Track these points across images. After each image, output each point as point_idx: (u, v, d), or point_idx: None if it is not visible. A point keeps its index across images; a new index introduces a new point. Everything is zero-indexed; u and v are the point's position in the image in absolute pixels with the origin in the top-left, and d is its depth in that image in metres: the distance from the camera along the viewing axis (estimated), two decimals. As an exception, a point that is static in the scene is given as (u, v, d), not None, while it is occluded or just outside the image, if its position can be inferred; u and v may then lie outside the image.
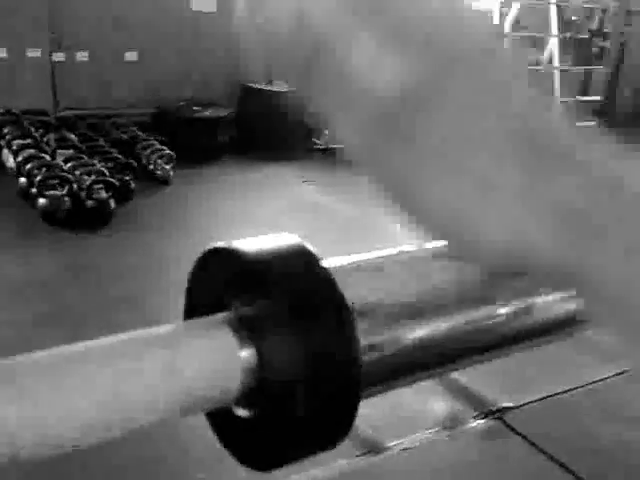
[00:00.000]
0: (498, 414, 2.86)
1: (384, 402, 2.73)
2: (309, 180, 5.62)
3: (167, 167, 5.30)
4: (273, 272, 0.28)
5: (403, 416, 2.81)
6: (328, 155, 6.24)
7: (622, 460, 2.68)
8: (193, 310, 0.31)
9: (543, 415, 2.92)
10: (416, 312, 0.31)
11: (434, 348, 0.32)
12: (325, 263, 0.30)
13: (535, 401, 2.96)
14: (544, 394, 3.01)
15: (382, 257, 0.33)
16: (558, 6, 7.76)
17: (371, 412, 2.88)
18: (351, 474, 2.49)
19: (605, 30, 8.58)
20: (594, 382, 3.13)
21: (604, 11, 8.60)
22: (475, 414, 2.84)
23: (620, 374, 3.21)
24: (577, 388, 3.08)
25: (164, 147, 5.38)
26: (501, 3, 7.32)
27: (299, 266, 0.29)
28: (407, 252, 0.34)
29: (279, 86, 6.19)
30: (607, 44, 8.60)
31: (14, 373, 0.25)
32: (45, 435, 0.24)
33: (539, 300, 0.37)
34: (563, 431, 2.85)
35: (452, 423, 2.78)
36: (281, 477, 2.21)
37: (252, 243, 0.29)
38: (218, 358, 0.28)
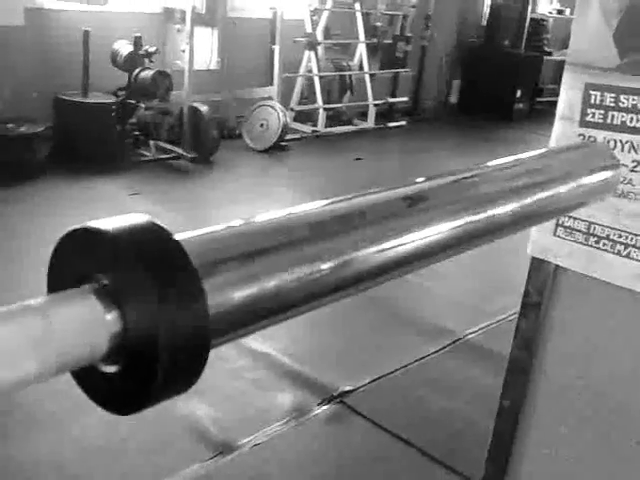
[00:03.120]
0: (340, 398, 3.06)
1: (231, 402, 2.82)
2: (135, 192, 5.55)
3: (-18, 188, 5.02)
4: (127, 244, 0.34)
5: (251, 414, 2.92)
6: (155, 166, 6.20)
7: (448, 426, 2.99)
8: (56, 286, 0.36)
9: (379, 394, 3.16)
10: (257, 270, 0.38)
11: (270, 301, 0.39)
12: (176, 236, 0.36)
13: (371, 382, 3.20)
14: (378, 374, 3.25)
15: (232, 226, 0.40)
16: (363, 14, 8.23)
17: (218, 414, 2.96)
18: (205, 477, 2.56)
19: (407, 35, 9.22)
20: (419, 359, 3.44)
21: (405, 17, 9.24)
22: (318, 401, 3.02)
23: (439, 350, 3.55)
24: (406, 366, 3.36)
25: (-23, 167, 5.08)
26: (311, 12, 7.63)
27: (149, 238, 0.35)
28: (253, 222, 0.42)
29: (96, 97, 6.06)
30: (409, 48, 9.24)
31: None
32: None
33: (361, 253, 0.46)
34: (398, 407, 3.11)
35: (298, 413, 2.94)
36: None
37: (107, 222, 0.36)
38: (87, 323, 0.34)
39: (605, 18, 1.16)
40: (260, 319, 0.39)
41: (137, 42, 6.10)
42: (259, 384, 3.14)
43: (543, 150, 0.63)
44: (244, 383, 3.11)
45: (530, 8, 10.49)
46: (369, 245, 0.46)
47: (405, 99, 9.06)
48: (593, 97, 1.18)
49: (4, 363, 0.30)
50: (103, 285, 0.35)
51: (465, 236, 0.52)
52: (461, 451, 2.78)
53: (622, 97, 1.16)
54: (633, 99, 1.14)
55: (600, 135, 1.17)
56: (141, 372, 0.35)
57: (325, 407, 3.00)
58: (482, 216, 0.52)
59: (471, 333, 3.76)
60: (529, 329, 1.36)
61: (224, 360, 3.21)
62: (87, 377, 0.36)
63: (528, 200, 0.55)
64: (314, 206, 0.45)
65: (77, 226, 0.36)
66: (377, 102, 8.37)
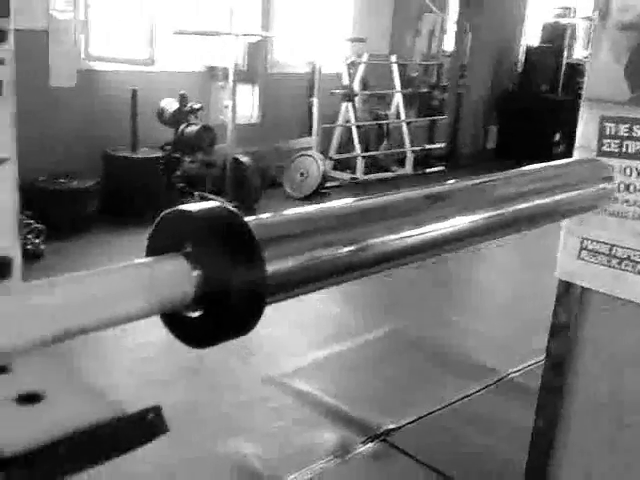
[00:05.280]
0: (383, 437, 3.09)
1: (275, 441, 2.89)
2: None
3: (37, 241, 5.25)
4: (207, 221, 0.47)
5: (295, 451, 2.98)
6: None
7: (490, 463, 2.99)
8: (154, 252, 0.48)
9: (422, 432, 3.19)
10: (304, 246, 0.49)
11: (313, 270, 0.50)
12: (244, 218, 0.48)
13: (414, 421, 3.23)
14: (421, 413, 3.28)
15: (286, 213, 0.52)
16: (399, 65, 8.45)
17: (263, 451, 3.03)
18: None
19: (443, 84, 9.41)
20: (461, 398, 3.46)
21: (440, 66, 9.44)
22: (362, 439, 3.06)
23: (482, 389, 3.57)
24: (448, 405, 3.39)
25: (31, 221, 5.32)
26: (348, 65, 7.87)
27: (224, 217, 0.48)
28: (306, 210, 0.54)
29: (144, 152, 6.33)
30: (446, 96, 9.42)
31: (53, 287, 0.42)
32: (61, 326, 0.41)
33: (401, 235, 0.56)
34: (440, 444, 3.13)
35: (341, 451, 2.98)
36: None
37: (192, 206, 0.47)
38: (179, 278, 0.46)
39: (615, 56, 1.25)
40: (305, 284, 0.50)
41: (182, 99, 6.38)
42: (303, 423, 3.20)
43: (549, 163, 0.72)
44: (288, 422, 3.18)
45: (566, 54, 10.61)
46: (399, 231, 0.57)
47: (442, 145, 9.19)
48: (608, 129, 1.27)
49: (122, 300, 0.42)
50: (190, 251, 0.47)
51: (478, 231, 0.62)
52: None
53: (635, 127, 1.24)
54: (646, 129, 1.23)
55: (617, 163, 1.26)
56: (216, 316, 0.46)
57: (369, 445, 3.04)
58: (491, 214, 0.61)
59: (513, 372, 3.77)
60: (559, 350, 1.42)
61: (267, 400, 3.29)
62: (173, 321, 0.48)
63: (531, 203, 0.64)
64: (350, 201, 0.56)
65: (167, 211, 0.47)
66: (414, 149, 8.52)
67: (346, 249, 0.52)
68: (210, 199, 6.49)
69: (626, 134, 1.25)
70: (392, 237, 0.56)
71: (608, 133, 1.27)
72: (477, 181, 0.64)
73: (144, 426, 0.34)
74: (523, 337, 4.27)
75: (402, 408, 3.35)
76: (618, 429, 1.37)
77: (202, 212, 0.47)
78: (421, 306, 4.75)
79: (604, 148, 1.28)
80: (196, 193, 6.48)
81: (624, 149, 1.25)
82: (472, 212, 0.61)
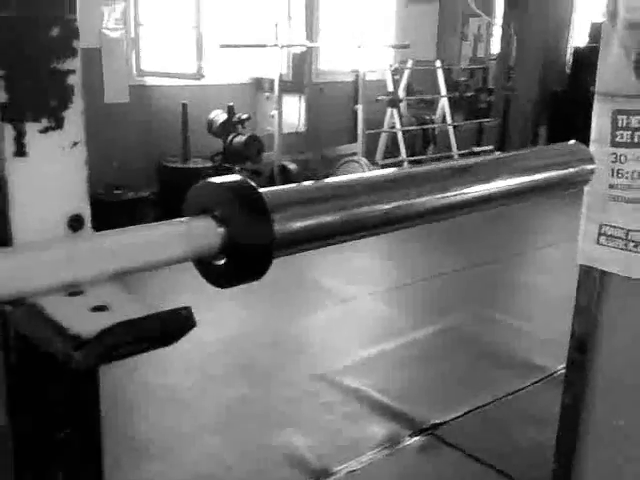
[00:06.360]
0: (431, 430, 3.18)
1: (325, 433, 3.01)
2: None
3: (96, 250, 5.50)
4: (229, 189, 0.60)
5: (344, 444, 3.09)
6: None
7: (540, 456, 3.04)
8: (188, 214, 0.62)
9: (471, 426, 3.26)
10: (310, 211, 0.62)
11: (313, 232, 0.62)
12: (260, 190, 0.62)
13: (462, 415, 3.30)
14: (468, 408, 3.35)
15: (299, 185, 0.66)
16: (444, 69, 8.51)
17: (314, 444, 3.15)
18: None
19: (489, 87, 9.42)
20: (510, 394, 3.51)
21: (485, 70, 9.46)
22: (410, 432, 3.15)
23: (530, 385, 3.61)
24: (497, 400, 3.45)
25: (91, 231, 5.57)
26: (392, 72, 7.97)
27: (242, 188, 0.61)
28: (320, 182, 0.67)
29: (195, 163, 6.55)
30: (492, 99, 9.42)
31: (116, 235, 0.57)
32: (119, 264, 0.55)
33: (395, 204, 0.69)
34: (490, 439, 3.19)
35: (390, 443, 3.08)
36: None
37: (219, 179, 0.61)
38: (207, 233, 0.59)
39: (625, 52, 1.34)
40: (306, 243, 0.63)
41: (230, 111, 6.59)
42: (352, 417, 3.30)
43: (537, 147, 0.84)
44: (337, 416, 3.29)
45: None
46: (422, 196, 0.70)
47: (490, 148, 9.19)
48: (620, 121, 1.35)
49: (162, 249, 0.56)
50: (217, 213, 0.61)
51: (489, 197, 0.76)
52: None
53: (646, 118, 1.33)
54: (656, 119, 1.31)
55: (630, 153, 1.34)
56: (236, 264, 0.61)
57: (416, 438, 3.13)
58: (496, 186, 0.75)
59: (562, 369, 3.80)
60: (582, 330, 1.50)
61: (317, 395, 3.41)
62: (204, 267, 0.63)
63: (523, 179, 0.76)
64: (353, 176, 0.69)
65: (201, 182, 0.61)
66: (462, 152, 8.55)
67: (340, 215, 0.65)
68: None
69: (637, 125, 1.33)
70: (373, 199, 0.69)
71: (620, 125, 1.35)
72: (488, 159, 0.77)
73: (180, 319, 0.48)
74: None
75: (450, 403, 3.42)
76: (637, 405, 1.44)
77: (226, 183, 0.61)
78: (469, 306, 4.81)
79: (617, 139, 1.36)
80: (246, 201, 6.66)
81: (636, 139, 1.34)
82: (486, 183, 0.74)
